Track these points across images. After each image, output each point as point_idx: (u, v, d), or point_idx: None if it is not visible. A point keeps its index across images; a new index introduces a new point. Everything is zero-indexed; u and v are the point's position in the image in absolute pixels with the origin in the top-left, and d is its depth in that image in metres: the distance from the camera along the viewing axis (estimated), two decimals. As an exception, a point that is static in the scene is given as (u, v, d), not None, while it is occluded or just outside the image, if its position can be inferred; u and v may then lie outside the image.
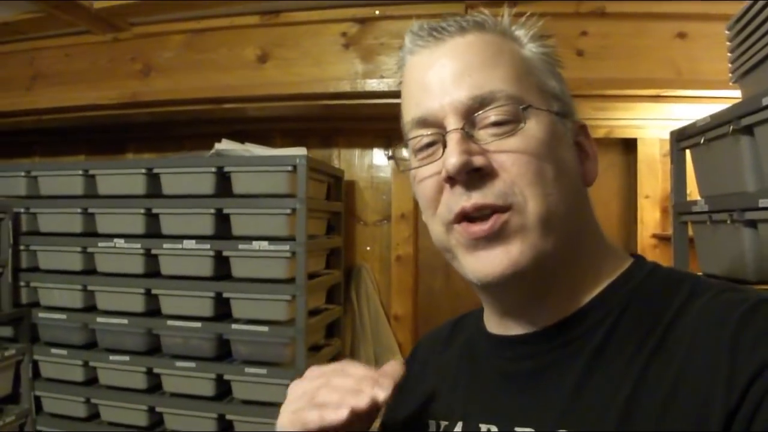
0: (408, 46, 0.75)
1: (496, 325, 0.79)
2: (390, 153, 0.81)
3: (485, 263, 0.68)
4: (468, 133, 0.68)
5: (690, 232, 2.03)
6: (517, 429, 0.68)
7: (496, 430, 0.71)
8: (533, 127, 0.68)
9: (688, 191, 2.12)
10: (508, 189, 0.66)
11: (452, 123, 0.68)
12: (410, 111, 0.73)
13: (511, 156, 0.67)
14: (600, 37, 2.28)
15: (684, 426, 0.57)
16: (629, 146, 2.95)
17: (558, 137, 0.71)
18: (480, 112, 0.68)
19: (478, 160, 0.66)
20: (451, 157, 0.66)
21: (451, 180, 0.68)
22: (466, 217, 0.68)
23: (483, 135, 0.68)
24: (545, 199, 0.67)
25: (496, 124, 0.68)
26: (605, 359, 0.65)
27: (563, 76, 0.77)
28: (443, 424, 0.77)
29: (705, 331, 0.60)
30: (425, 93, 0.71)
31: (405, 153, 0.78)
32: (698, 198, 1.88)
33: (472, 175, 0.67)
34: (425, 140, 0.72)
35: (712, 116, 1.76)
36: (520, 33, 0.75)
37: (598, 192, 3.03)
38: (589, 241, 0.74)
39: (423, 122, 0.71)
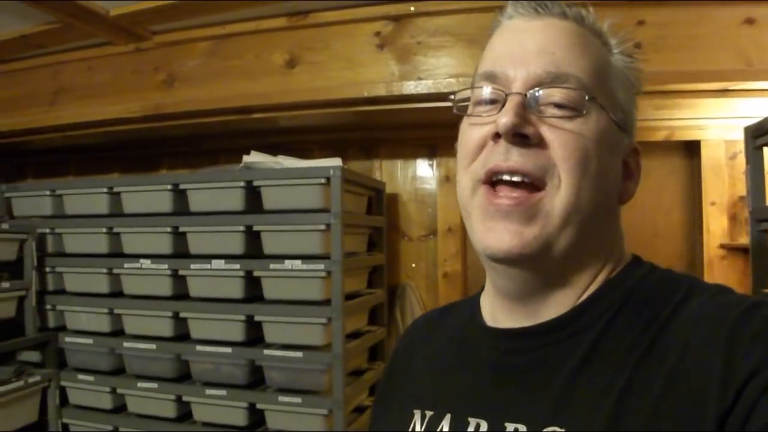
0: (508, 11, 0.77)
1: (492, 316, 0.80)
2: (454, 96, 0.79)
3: (496, 236, 0.69)
4: (528, 102, 0.70)
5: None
6: (507, 425, 0.68)
7: (485, 427, 0.71)
8: (591, 122, 0.70)
9: (768, 196, 1.92)
10: (548, 166, 0.68)
11: (518, 87, 0.70)
12: (485, 64, 0.76)
13: (561, 138, 0.69)
14: (658, 27, 2.10)
15: (676, 425, 0.57)
16: (692, 150, 2.74)
17: (610, 144, 0.72)
18: (547, 87, 0.70)
19: (528, 129, 0.68)
20: (505, 116, 0.68)
21: (497, 137, 0.70)
22: (495, 177, 0.70)
23: (543, 110, 0.70)
24: (578, 192, 0.68)
25: (558, 105, 0.69)
26: (599, 357, 0.66)
27: (636, 102, 0.78)
28: (429, 414, 0.78)
29: (700, 332, 0.61)
30: (505, 53, 0.74)
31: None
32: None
33: (518, 141, 0.68)
34: (487, 95, 0.73)
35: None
36: (613, 41, 0.77)
37: (659, 200, 2.85)
38: (605, 249, 0.75)
39: (491, 77, 0.73)
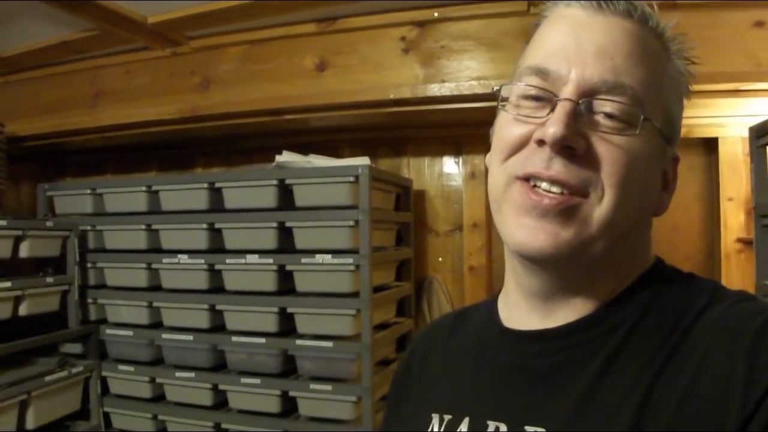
0: None
1: (512, 318, 0.78)
2: (498, 87, 0.74)
3: (530, 233, 0.67)
4: (580, 111, 0.66)
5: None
6: (527, 428, 0.67)
7: (505, 428, 0.69)
8: (641, 140, 0.67)
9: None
10: (592, 180, 0.65)
11: (570, 92, 0.66)
12: (535, 56, 0.71)
13: (610, 152, 0.65)
14: (678, 29, 2.14)
15: (697, 431, 0.56)
16: (710, 146, 2.78)
17: (655, 159, 0.70)
18: (601, 96, 0.66)
19: (577, 142, 0.65)
20: (555, 126, 0.64)
21: (542, 143, 0.66)
22: (533, 181, 0.67)
23: (593, 120, 0.67)
24: (618, 207, 0.66)
25: (609, 116, 0.66)
26: (621, 362, 0.65)
27: (684, 106, 0.76)
28: (447, 418, 0.76)
29: (722, 339, 0.60)
30: (560, 48, 0.69)
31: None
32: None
33: (563, 152, 0.65)
34: (534, 92, 0.69)
35: (795, 108, 1.63)
36: (674, 47, 0.73)
37: (678, 195, 2.85)
38: (631, 255, 0.73)
39: (542, 73, 0.69)
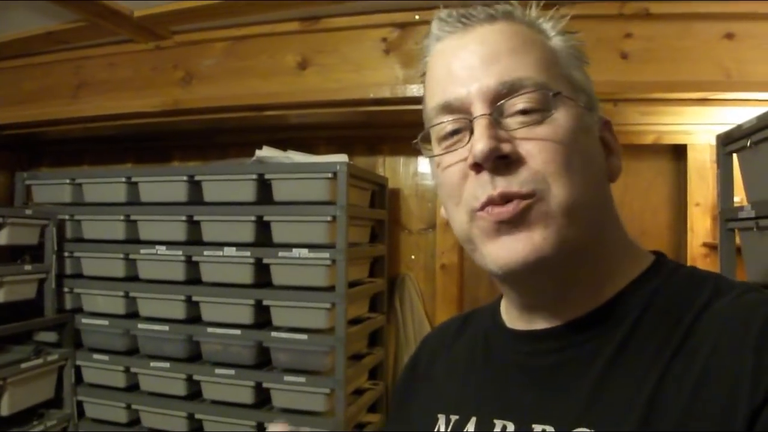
0: (435, 32, 0.74)
1: (515, 319, 0.78)
2: (416, 140, 0.77)
3: (508, 249, 0.66)
4: (496, 120, 0.67)
5: (738, 240, 1.97)
6: (534, 426, 0.67)
7: (512, 427, 0.69)
8: (562, 117, 0.68)
9: (737, 198, 2.05)
10: (532, 177, 0.65)
11: (480, 109, 0.67)
12: (435, 97, 0.72)
13: (538, 144, 0.66)
14: (644, 39, 2.21)
15: (707, 426, 0.56)
16: (679, 152, 2.87)
17: (585, 129, 0.70)
18: (508, 98, 0.67)
19: (505, 147, 0.65)
20: (479, 143, 0.65)
21: (478, 167, 0.67)
22: (488, 207, 0.67)
23: (510, 122, 0.67)
24: (570, 189, 0.66)
25: (524, 111, 0.67)
26: (627, 357, 0.64)
27: (588, 73, 0.76)
28: (453, 418, 0.77)
29: (729, 331, 0.60)
30: (452, 79, 0.70)
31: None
32: (746, 204, 1.82)
33: (498, 163, 0.66)
34: (450, 127, 0.70)
35: (759, 118, 1.70)
36: (547, 26, 0.74)
37: (647, 200, 2.98)
38: (611, 236, 0.73)
39: (449, 108, 0.70)
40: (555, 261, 0.66)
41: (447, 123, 0.71)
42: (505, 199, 0.65)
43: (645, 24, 2.21)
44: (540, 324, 0.73)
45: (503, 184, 0.65)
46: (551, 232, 0.65)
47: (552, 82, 0.69)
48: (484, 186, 0.66)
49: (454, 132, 0.70)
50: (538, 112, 0.67)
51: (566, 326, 0.71)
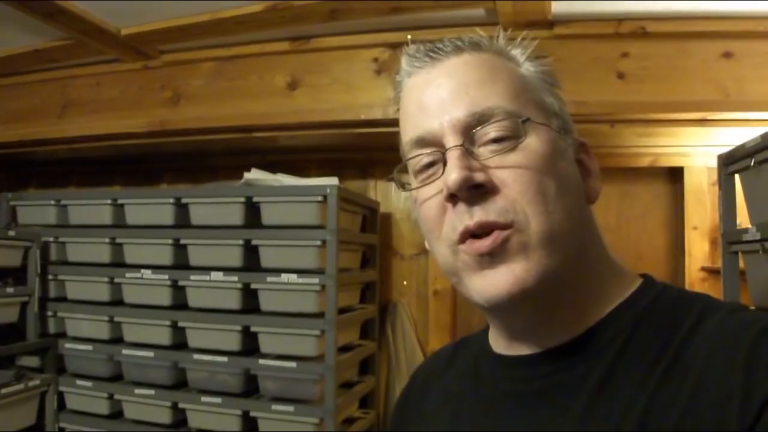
0: (405, 68, 0.76)
1: (503, 345, 0.78)
2: (392, 175, 0.77)
3: (491, 283, 0.66)
4: (468, 150, 0.68)
5: (741, 264, 1.92)
6: None
7: None
8: (533, 142, 0.68)
9: (738, 221, 2.01)
10: (509, 206, 0.65)
11: (451, 140, 0.68)
12: (408, 132, 0.73)
13: (512, 172, 0.66)
14: (641, 59, 2.18)
15: None
16: (675, 175, 2.83)
17: (559, 153, 0.71)
18: (479, 128, 0.68)
19: (479, 176, 0.66)
20: (452, 173, 0.65)
21: (453, 198, 0.67)
22: (470, 235, 0.67)
23: (483, 152, 0.68)
24: (548, 217, 0.66)
25: (495, 140, 0.67)
26: (616, 380, 0.64)
27: (561, 96, 0.77)
28: None
29: (718, 352, 0.59)
30: (423, 113, 0.71)
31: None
32: (749, 226, 1.77)
33: (474, 192, 0.66)
34: (425, 160, 0.71)
35: (763, 136, 1.66)
36: (516, 53, 0.75)
37: (643, 224, 2.94)
38: (595, 260, 0.73)
39: (422, 142, 0.71)
40: (538, 290, 0.66)
41: (422, 156, 0.71)
42: (482, 228, 0.65)
43: (642, 43, 2.19)
44: (528, 350, 0.73)
45: (480, 214, 0.65)
46: (532, 263, 0.65)
47: (522, 108, 0.69)
48: (461, 217, 0.67)
49: (429, 165, 0.71)
50: (510, 140, 0.67)
51: (555, 350, 0.71)
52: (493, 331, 0.81)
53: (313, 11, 2.11)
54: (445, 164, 0.68)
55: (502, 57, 0.74)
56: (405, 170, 0.76)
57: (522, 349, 0.74)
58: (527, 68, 0.74)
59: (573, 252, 0.68)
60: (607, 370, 0.65)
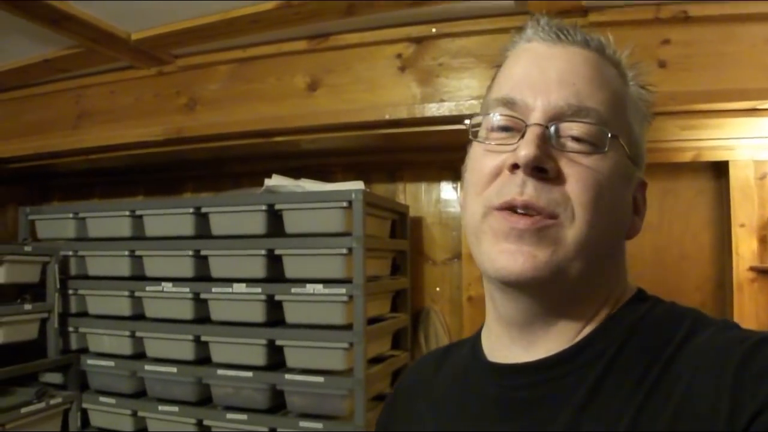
0: (528, 33, 0.76)
1: (495, 350, 0.79)
2: (468, 122, 0.77)
3: (509, 257, 0.67)
4: (548, 134, 0.68)
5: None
6: None
7: None
8: (609, 159, 0.69)
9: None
10: (562, 201, 0.67)
11: (538, 117, 0.69)
12: (502, 89, 0.74)
13: (579, 174, 0.67)
14: (684, 45, 2.04)
15: None
16: (720, 170, 2.67)
17: (625, 180, 0.72)
18: (568, 121, 0.69)
19: (548, 163, 0.67)
20: (526, 148, 0.66)
21: (515, 168, 0.68)
22: (510, 208, 0.68)
23: (560, 143, 0.69)
24: (590, 227, 0.67)
25: (577, 139, 0.68)
26: (604, 392, 0.65)
27: (645, 132, 0.78)
28: None
29: (706, 368, 0.60)
30: (526, 79, 0.72)
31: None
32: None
33: (536, 174, 0.67)
34: (503, 122, 0.72)
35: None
36: (629, 72, 0.76)
37: (687, 222, 2.78)
38: (609, 284, 0.74)
39: (510, 104, 0.72)
40: (548, 285, 0.68)
41: (504, 118, 0.72)
42: (526, 208, 0.66)
43: (684, 28, 2.05)
44: (520, 356, 0.74)
45: (531, 194, 0.66)
46: (555, 259, 0.67)
47: (613, 124, 0.70)
48: (512, 188, 0.68)
49: (506, 129, 0.72)
50: (590, 145, 0.68)
51: (546, 360, 0.71)
52: (486, 333, 0.82)
53: (330, 7, 2.01)
54: (522, 136, 0.68)
55: (617, 70, 0.75)
56: (478, 123, 0.76)
57: (514, 355, 0.75)
58: (632, 91, 0.76)
59: (594, 269, 0.70)
60: (595, 383, 0.66)
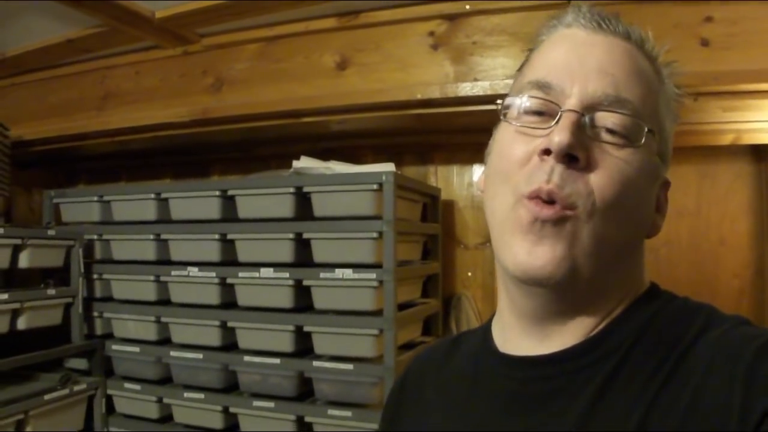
0: (568, 18, 0.75)
1: (507, 342, 0.78)
2: (500, 102, 0.76)
3: (529, 252, 0.67)
4: (583, 122, 0.67)
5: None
6: None
7: None
8: (641, 154, 0.69)
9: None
10: (585, 193, 0.66)
11: (574, 104, 0.68)
12: (537, 71, 0.73)
13: (609, 166, 0.67)
14: (728, 23, 1.95)
15: None
16: (760, 153, 2.58)
17: (652, 177, 0.72)
18: (603, 110, 0.68)
19: (581, 151, 0.66)
20: (561, 134, 0.65)
21: (546, 153, 0.67)
22: (537, 197, 0.66)
23: (593, 133, 0.68)
24: (610, 223, 0.66)
25: (610, 130, 0.68)
26: (617, 387, 0.65)
27: (673, 131, 0.78)
28: None
29: (719, 364, 0.60)
30: (563, 65, 0.71)
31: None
32: None
33: (566, 162, 0.66)
34: (537, 105, 0.71)
35: None
36: (664, 71, 0.76)
37: (725, 207, 2.68)
38: (626, 280, 0.73)
39: (546, 87, 0.70)
40: (566, 280, 0.67)
41: (538, 101, 0.71)
42: (550, 198, 0.65)
43: (727, 5, 1.96)
44: (533, 348, 0.74)
45: (557, 182, 0.65)
46: (573, 253, 0.66)
47: (648, 119, 0.69)
48: (540, 174, 0.66)
49: (538, 113, 0.71)
50: (624, 138, 0.68)
51: (560, 354, 0.71)
52: (500, 325, 0.82)
53: (359, -18, 1.95)
54: (556, 121, 0.67)
55: (654, 66, 0.74)
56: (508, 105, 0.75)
57: (527, 347, 0.74)
58: (667, 89, 0.76)
59: (611, 265, 0.69)
60: (609, 376, 0.65)
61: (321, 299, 2.19)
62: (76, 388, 2.41)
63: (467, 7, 2.12)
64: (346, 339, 2.14)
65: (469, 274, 2.82)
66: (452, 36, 2.17)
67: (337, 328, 2.15)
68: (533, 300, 0.72)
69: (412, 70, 2.21)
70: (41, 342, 2.37)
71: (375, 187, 2.10)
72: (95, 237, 2.63)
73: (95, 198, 2.64)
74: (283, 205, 2.23)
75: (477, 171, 2.83)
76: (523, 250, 0.67)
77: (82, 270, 2.52)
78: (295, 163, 2.28)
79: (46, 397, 2.27)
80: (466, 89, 2.09)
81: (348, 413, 2.11)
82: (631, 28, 0.73)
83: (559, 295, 0.70)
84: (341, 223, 2.16)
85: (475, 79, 2.13)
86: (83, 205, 2.68)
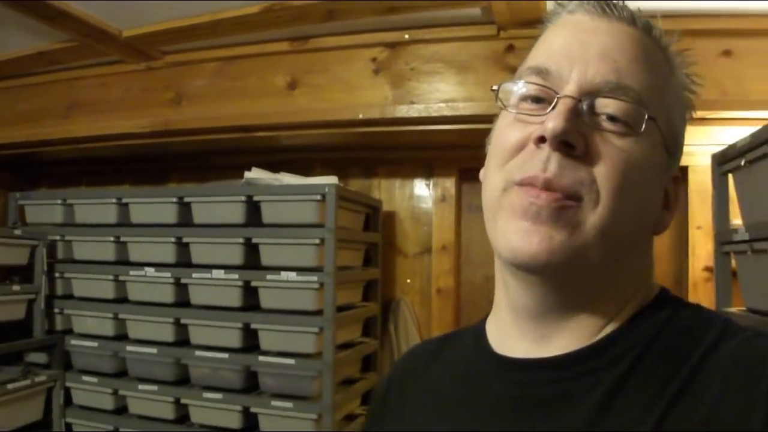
0: (571, 4, 0.70)
1: (503, 342, 0.73)
2: (496, 87, 0.72)
3: (523, 238, 0.62)
4: (581, 108, 0.63)
5: (734, 264, 1.91)
6: None
7: None
8: (644, 143, 0.63)
9: (737, 221, 1.99)
10: (587, 182, 0.61)
11: (571, 90, 0.63)
12: (537, 57, 0.69)
13: (610, 154, 0.62)
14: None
15: None
16: (681, 174, 2.79)
17: (657, 170, 0.66)
18: (604, 97, 0.63)
19: (577, 139, 0.61)
20: (555, 121, 0.61)
21: (541, 141, 0.62)
22: (531, 185, 0.62)
23: (592, 121, 0.63)
24: (615, 214, 0.61)
25: (611, 118, 0.63)
26: (626, 395, 0.60)
27: (685, 125, 0.72)
28: None
29: (738, 378, 0.56)
30: (564, 50, 0.66)
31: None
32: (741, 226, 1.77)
33: (562, 150, 0.61)
34: (535, 91, 0.66)
35: (752, 136, 1.64)
36: (676, 59, 0.70)
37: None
38: (633, 278, 0.68)
39: (543, 73, 0.66)
40: (564, 271, 0.62)
41: (535, 87, 0.67)
42: (548, 187, 0.61)
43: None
44: (529, 350, 0.69)
45: (554, 171, 0.61)
46: (573, 241, 0.61)
47: (653, 108, 0.64)
48: (535, 163, 0.62)
49: (537, 99, 0.67)
50: (625, 125, 0.63)
51: (563, 357, 0.66)
52: (495, 324, 0.76)
53: (311, 12, 2.13)
54: (552, 108, 0.63)
55: (663, 53, 0.69)
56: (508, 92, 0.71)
57: (525, 350, 0.69)
58: (677, 79, 0.70)
59: (613, 261, 0.65)
60: (617, 384, 0.61)
61: (267, 299, 2.35)
62: (37, 379, 2.51)
63: (406, 36, 2.32)
64: (289, 336, 2.29)
65: (408, 281, 2.99)
66: (392, 62, 2.37)
67: (281, 326, 2.30)
68: (531, 293, 0.67)
69: (356, 92, 2.39)
70: (3, 336, 2.46)
71: (318, 197, 2.26)
72: (58, 238, 2.74)
73: (59, 201, 2.75)
74: (235, 212, 2.38)
75: (418, 185, 3.01)
76: (516, 235, 0.62)
77: (45, 268, 2.63)
78: (247, 174, 2.44)
79: (9, 386, 2.37)
80: (403, 111, 2.29)
81: (290, 404, 2.27)
82: (637, 14, 0.68)
83: (557, 287, 0.65)
84: (287, 230, 2.32)
85: (412, 102, 2.32)
86: (47, 207, 2.79)
